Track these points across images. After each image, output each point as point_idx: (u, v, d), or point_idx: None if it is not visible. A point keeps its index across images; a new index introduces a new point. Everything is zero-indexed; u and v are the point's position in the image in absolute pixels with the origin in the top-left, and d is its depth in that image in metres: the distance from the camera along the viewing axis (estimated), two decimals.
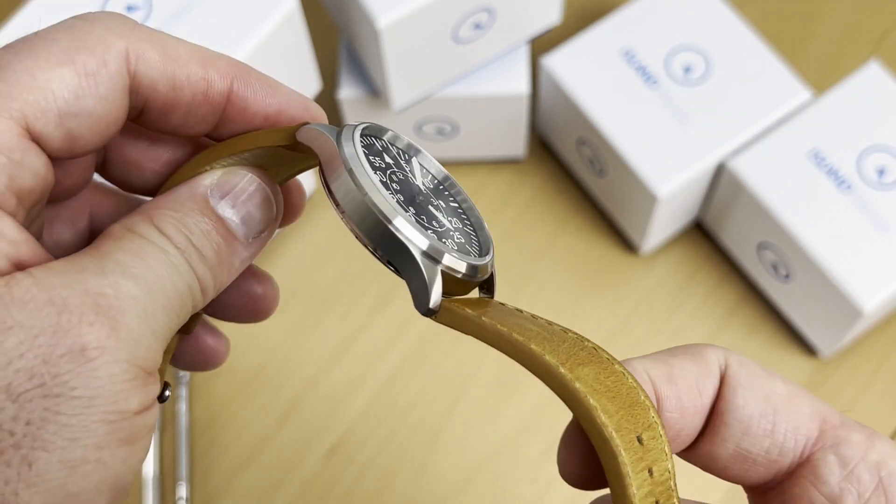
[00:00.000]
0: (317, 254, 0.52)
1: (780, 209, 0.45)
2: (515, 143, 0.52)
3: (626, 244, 0.52)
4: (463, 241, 0.25)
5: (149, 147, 0.27)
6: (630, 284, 0.51)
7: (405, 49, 0.44)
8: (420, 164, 0.26)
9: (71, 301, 0.21)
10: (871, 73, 0.48)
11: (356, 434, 0.48)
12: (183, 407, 0.47)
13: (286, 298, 0.50)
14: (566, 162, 0.53)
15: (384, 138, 0.26)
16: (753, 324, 0.50)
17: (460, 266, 0.24)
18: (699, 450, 0.24)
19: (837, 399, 0.48)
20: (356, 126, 0.25)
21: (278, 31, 0.42)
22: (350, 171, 0.23)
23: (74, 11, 0.42)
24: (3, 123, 0.22)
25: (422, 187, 0.26)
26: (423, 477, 0.47)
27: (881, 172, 0.46)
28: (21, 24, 0.41)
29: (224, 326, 0.50)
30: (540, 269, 0.51)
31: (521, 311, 0.25)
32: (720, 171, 0.47)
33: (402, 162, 0.26)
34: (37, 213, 0.25)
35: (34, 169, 0.23)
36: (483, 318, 0.23)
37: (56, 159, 0.24)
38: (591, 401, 0.21)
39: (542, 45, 0.54)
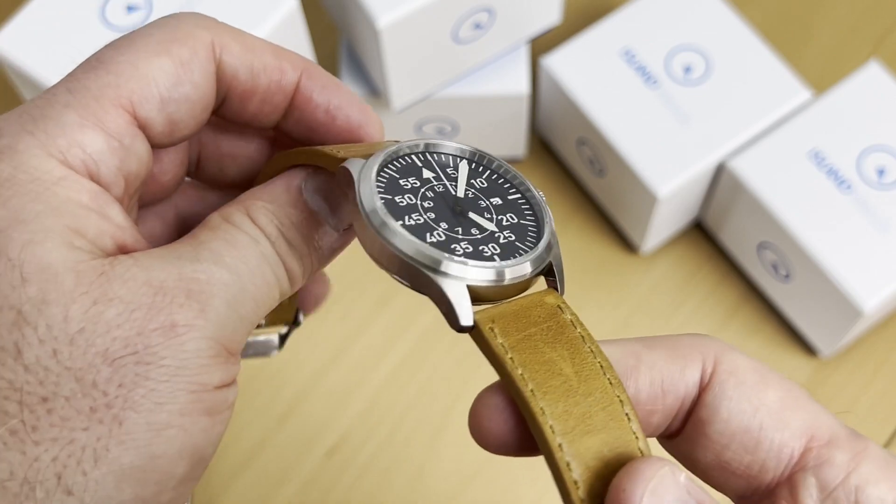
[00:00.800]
0: None
1: (780, 209, 0.45)
2: (515, 143, 0.52)
3: (626, 244, 0.52)
4: (513, 238, 0.25)
5: (239, 137, 0.29)
6: (630, 284, 0.51)
7: (405, 49, 0.44)
8: (471, 164, 0.26)
9: (166, 284, 0.23)
10: (871, 73, 0.48)
11: (356, 434, 0.48)
12: None
13: None
14: (566, 162, 0.53)
15: (421, 151, 0.26)
16: (753, 324, 0.50)
17: (486, 275, 0.23)
18: (678, 447, 0.24)
19: (837, 399, 0.48)
20: (380, 156, 0.25)
21: (278, 31, 0.42)
22: (361, 205, 0.24)
23: (69, 13, 0.42)
24: (114, 111, 0.24)
25: (466, 192, 0.25)
26: (423, 477, 0.47)
27: (881, 172, 0.46)
28: (22, 24, 0.41)
29: None
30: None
31: (576, 327, 0.24)
32: (720, 171, 0.47)
33: (447, 171, 0.26)
34: (133, 203, 0.27)
35: (139, 155, 0.25)
36: (507, 358, 0.22)
37: (156, 146, 0.26)
38: (574, 482, 0.21)
39: (542, 45, 0.54)
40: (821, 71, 0.55)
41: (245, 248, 0.24)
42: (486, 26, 0.46)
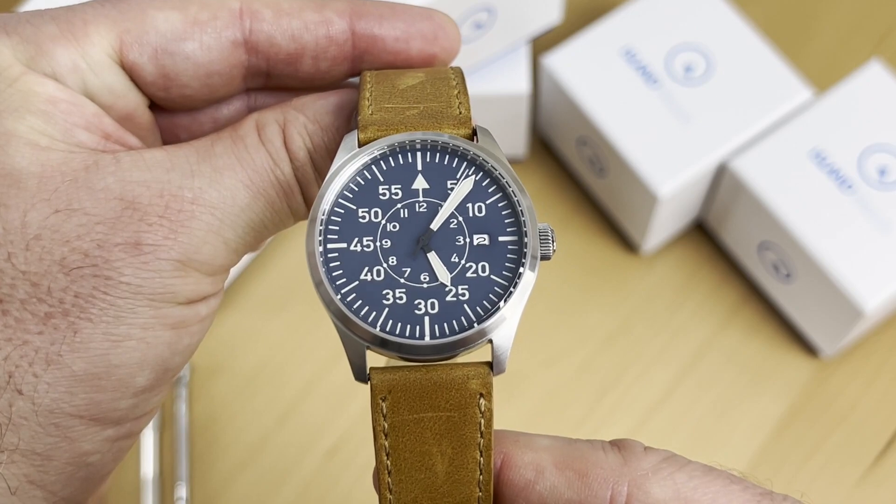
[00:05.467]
0: None
1: (781, 209, 0.45)
2: (516, 142, 0.52)
3: (627, 244, 0.52)
4: (464, 298, 0.22)
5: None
6: (630, 284, 0.51)
7: None
8: (480, 182, 0.23)
9: (141, 200, 0.22)
10: (873, 73, 0.48)
11: (356, 434, 0.48)
12: (182, 407, 0.47)
13: (286, 298, 0.50)
14: (566, 162, 0.53)
15: (428, 149, 0.23)
16: (754, 324, 0.50)
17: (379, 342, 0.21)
18: None
19: (839, 399, 0.48)
20: (376, 146, 0.23)
21: None
22: (314, 209, 0.23)
23: None
24: (97, 38, 0.24)
25: (448, 222, 0.22)
26: None
27: (882, 172, 0.46)
28: None
29: (224, 327, 0.50)
30: (540, 268, 0.51)
31: (480, 426, 0.21)
32: (721, 171, 0.47)
33: (446, 184, 0.23)
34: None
35: (110, 87, 0.24)
36: (380, 441, 0.21)
37: (153, 98, 0.25)
38: None
39: (542, 44, 0.54)
40: (822, 70, 0.55)
41: (258, 172, 0.24)
42: (486, 26, 0.46)
